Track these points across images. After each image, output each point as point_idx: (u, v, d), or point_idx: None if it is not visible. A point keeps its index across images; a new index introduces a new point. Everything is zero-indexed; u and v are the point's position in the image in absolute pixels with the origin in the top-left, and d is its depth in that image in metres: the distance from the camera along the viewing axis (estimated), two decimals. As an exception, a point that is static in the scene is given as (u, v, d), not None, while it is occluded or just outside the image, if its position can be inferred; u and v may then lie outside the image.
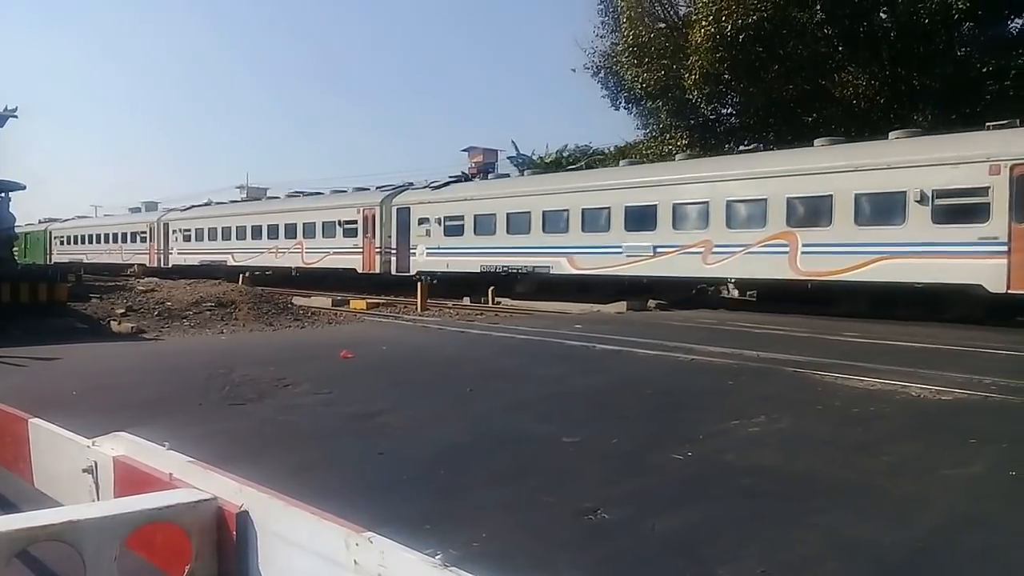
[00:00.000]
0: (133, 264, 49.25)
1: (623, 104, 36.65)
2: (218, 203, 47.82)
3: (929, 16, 27.16)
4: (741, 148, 29.09)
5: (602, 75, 36.48)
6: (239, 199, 46.78)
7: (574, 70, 38.10)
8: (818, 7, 29.64)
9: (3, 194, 20.07)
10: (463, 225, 29.47)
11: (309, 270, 36.33)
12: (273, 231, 38.37)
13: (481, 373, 10.77)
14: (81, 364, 11.72)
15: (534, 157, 49.53)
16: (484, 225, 28.73)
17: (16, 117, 20.00)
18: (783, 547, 4.45)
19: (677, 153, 29.20)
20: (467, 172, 40.19)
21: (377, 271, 32.91)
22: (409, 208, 31.94)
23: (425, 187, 32.83)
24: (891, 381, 9.29)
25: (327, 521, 2.03)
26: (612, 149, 44.43)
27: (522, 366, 11.55)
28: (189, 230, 45.33)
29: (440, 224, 30.32)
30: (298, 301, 24.77)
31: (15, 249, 21.90)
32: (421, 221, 31.18)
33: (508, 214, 27.79)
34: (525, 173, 35.92)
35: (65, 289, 17.82)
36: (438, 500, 5.25)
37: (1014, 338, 14.21)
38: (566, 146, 50.18)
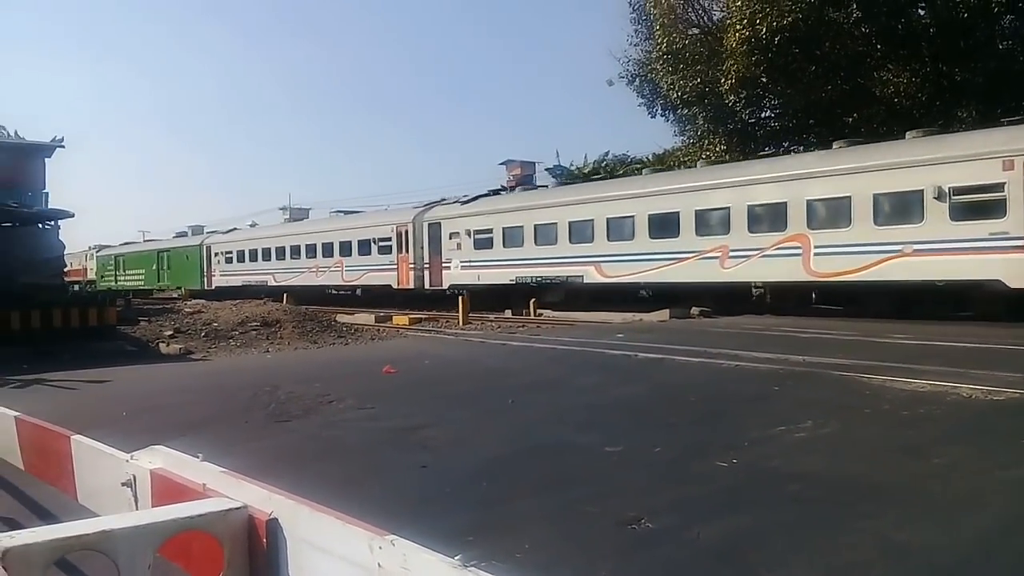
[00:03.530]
0: (357, 286, 36.43)
1: (659, 112, 36.50)
2: (562, 185, 31.77)
3: (969, 10, 26.71)
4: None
5: (637, 83, 36.39)
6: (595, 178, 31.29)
7: (610, 82, 37.92)
8: (854, 6, 29.28)
9: (53, 222, 20.63)
10: None
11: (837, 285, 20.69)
12: (704, 221, 23.04)
13: (522, 385, 10.75)
14: (131, 385, 11.96)
15: (572, 168, 49.50)
16: None
17: (63, 147, 20.61)
18: (831, 553, 4.36)
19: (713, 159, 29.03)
20: (504, 185, 40.07)
21: None
22: None
23: None
24: (941, 382, 9.09)
25: (352, 525, 2.05)
26: (650, 157, 44.28)
27: (563, 377, 11.51)
28: (487, 231, 29.88)
29: None
30: (342, 319, 25.03)
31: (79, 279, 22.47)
32: None
33: None
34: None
35: (114, 312, 18.25)
36: (480, 512, 5.24)
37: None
38: (607, 153, 50.09)
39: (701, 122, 34.54)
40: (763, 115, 34.51)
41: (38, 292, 17.47)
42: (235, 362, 15.44)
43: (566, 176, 45.72)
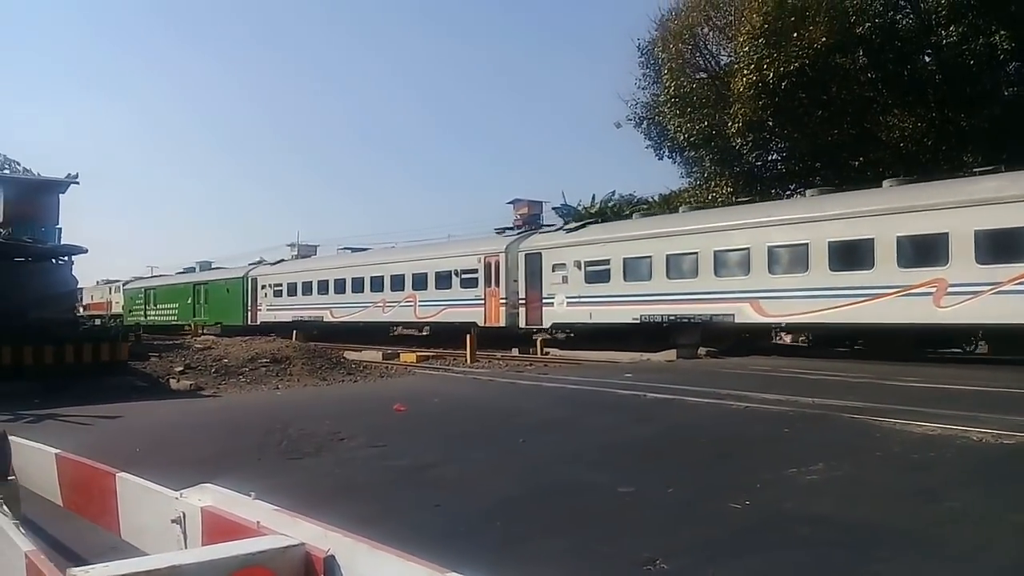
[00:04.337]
0: (433, 323, 32.00)
1: (667, 153, 36.91)
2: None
3: (975, 57, 27.09)
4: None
5: (645, 126, 36.84)
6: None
7: (618, 124, 38.35)
8: (861, 52, 29.75)
9: (67, 258, 20.81)
10: None
11: None
12: (910, 250, 19.19)
13: (533, 424, 10.80)
14: (143, 422, 12.01)
15: (579, 208, 49.75)
16: None
17: (78, 183, 20.85)
18: (846, 596, 4.41)
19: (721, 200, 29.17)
20: (514, 224, 40.00)
21: None
22: None
23: None
24: (951, 426, 9.13)
25: (411, 562, 2.13)
26: (656, 198, 44.56)
27: (573, 416, 11.56)
28: (603, 262, 25.77)
29: None
30: (350, 355, 25.08)
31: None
32: None
33: None
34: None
35: (126, 348, 18.34)
36: (495, 551, 5.29)
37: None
38: (613, 193, 50.32)
39: (708, 164, 34.89)
40: (770, 158, 34.85)
41: (51, 327, 17.59)
42: (245, 399, 15.48)
43: (574, 216, 45.83)
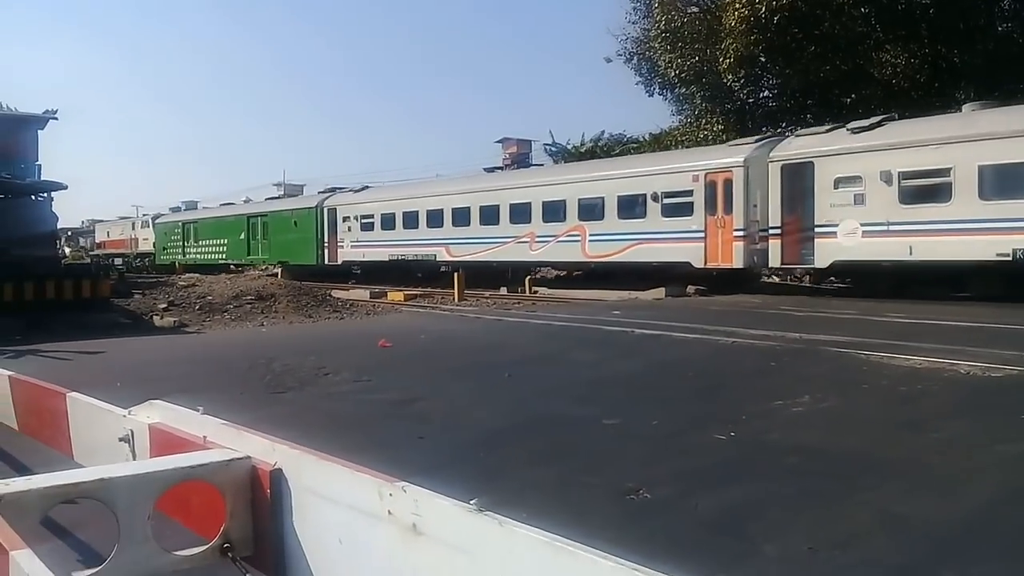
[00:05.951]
0: (614, 262, 24.70)
1: (657, 90, 36.30)
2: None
3: (968, -9, 26.65)
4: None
5: (635, 61, 36.18)
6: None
7: (608, 60, 37.62)
8: (854, -15, 29.19)
9: (46, 194, 20.48)
10: None
11: None
12: None
13: (519, 359, 10.73)
14: (125, 357, 11.90)
15: (568, 146, 49.28)
16: None
17: (56, 119, 20.44)
18: (830, 524, 4.35)
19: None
20: (503, 163, 39.50)
21: None
22: None
23: None
24: (938, 359, 9.09)
25: (360, 473, 2.02)
26: (647, 136, 44.07)
27: (560, 352, 11.49)
28: (935, 172, 17.83)
29: None
30: (337, 294, 24.97)
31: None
32: None
33: None
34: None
35: (108, 285, 18.18)
36: (479, 482, 5.20)
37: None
38: (603, 133, 49.74)
39: (699, 101, 34.40)
40: (761, 95, 34.37)
41: (32, 264, 17.38)
42: (230, 335, 15.39)
43: (563, 156, 45.31)
